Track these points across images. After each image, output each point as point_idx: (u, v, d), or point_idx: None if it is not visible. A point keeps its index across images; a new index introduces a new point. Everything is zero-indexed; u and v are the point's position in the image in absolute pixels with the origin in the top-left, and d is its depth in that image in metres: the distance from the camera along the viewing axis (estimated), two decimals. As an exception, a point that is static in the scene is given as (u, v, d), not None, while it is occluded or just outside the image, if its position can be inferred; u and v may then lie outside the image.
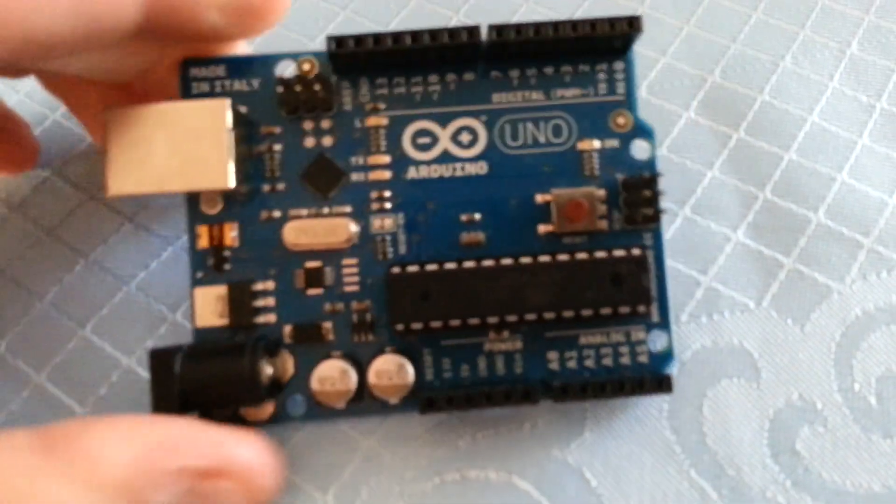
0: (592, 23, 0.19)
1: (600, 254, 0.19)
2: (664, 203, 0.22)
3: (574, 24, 0.19)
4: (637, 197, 0.20)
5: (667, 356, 0.20)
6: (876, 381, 0.21)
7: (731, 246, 0.23)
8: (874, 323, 0.22)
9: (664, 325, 0.20)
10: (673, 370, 0.20)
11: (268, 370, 0.19)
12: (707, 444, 0.20)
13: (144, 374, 0.21)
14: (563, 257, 0.19)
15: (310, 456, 0.20)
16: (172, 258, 0.23)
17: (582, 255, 0.19)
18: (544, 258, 0.19)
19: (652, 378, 0.19)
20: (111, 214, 0.23)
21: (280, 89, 0.20)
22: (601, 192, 0.20)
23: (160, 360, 0.18)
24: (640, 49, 0.20)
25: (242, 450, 0.17)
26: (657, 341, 0.20)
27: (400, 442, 0.20)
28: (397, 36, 0.19)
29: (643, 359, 0.20)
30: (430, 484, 0.20)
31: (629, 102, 0.21)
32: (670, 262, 0.22)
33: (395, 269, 0.19)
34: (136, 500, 0.15)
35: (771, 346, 0.21)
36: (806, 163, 0.24)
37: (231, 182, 0.18)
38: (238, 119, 0.19)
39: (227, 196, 0.20)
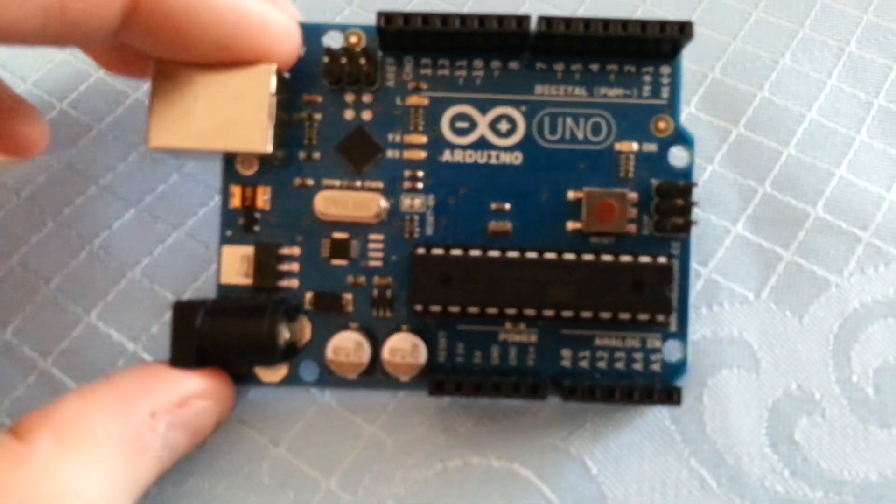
0: (643, 24, 0.19)
1: (625, 258, 0.19)
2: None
3: (625, 24, 0.19)
4: (670, 205, 0.20)
5: (680, 367, 0.20)
6: (874, 373, 0.21)
7: (731, 238, 0.23)
8: (872, 315, 0.22)
9: (682, 335, 0.20)
10: (684, 382, 0.20)
11: (285, 334, 0.19)
12: (707, 434, 0.20)
13: (150, 359, 0.21)
14: (588, 257, 0.19)
15: (313, 442, 0.20)
16: (177, 244, 0.23)
17: (607, 257, 0.19)
18: (569, 256, 0.19)
19: (662, 389, 0.19)
20: (116, 201, 0.23)
21: (326, 59, 0.20)
22: (633, 195, 0.20)
23: (183, 313, 0.18)
24: None
25: (196, 376, 0.18)
26: (673, 351, 0.20)
27: (403, 429, 0.20)
28: (446, 18, 0.19)
29: (656, 367, 0.20)
30: (432, 471, 0.20)
31: (672, 108, 0.20)
32: None
33: (420, 250, 0.19)
34: (133, 449, 0.16)
35: (770, 337, 0.22)
36: (805, 158, 0.24)
37: (269, 146, 0.18)
38: (281, 85, 0.19)
39: (263, 159, 0.20)
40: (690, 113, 0.25)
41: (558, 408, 0.21)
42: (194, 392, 0.18)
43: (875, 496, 0.19)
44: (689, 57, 0.26)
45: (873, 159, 0.24)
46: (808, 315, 0.22)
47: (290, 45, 0.19)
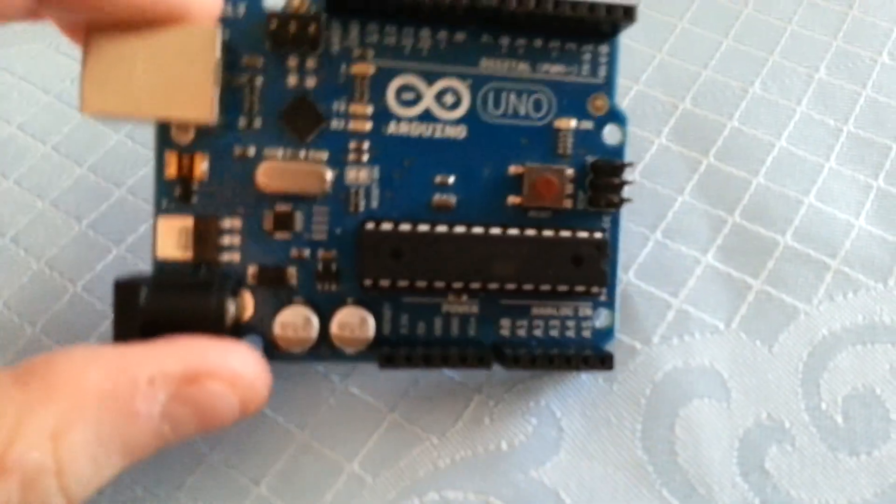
0: (591, 5, 0.19)
1: (565, 233, 0.20)
2: (637, 227, 0.24)
3: (573, 4, 0.19)
4: (604, 182, 0.21)
5: (608, 332, 0.22)
6: (842, 400, 0.21)
7: (701, 268, 0.24)
8: (840, 343, 0.22)
9: (610, 303, 0.22)
10: (613, 345, 0.22)
11: (231, 309, 0.19)
12: (678, 464, 0.21)
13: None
14: (530, 232, 0.20)
15: (294, 480, 0.20)
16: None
17: (548, 233, 0.20)
18: (513, 231, 0.20)
19: (595, 355, 0.20)
20: (105, 242, 0.24)
21: (268, 20, 0.19)
22: (570, 171, 0.21)
23: (125, 290, 0.18)
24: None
25: (220, 352, 0.17)
26: (602, 318, 0.22)
27: (381, 464, 0.20)
28: (396, -16, 0.19)
29: (587, 333, 0.21)
30: None
31: (609, 87, 0.21)
32: (642, 285, 0.23)
33: (370, 225, 0.19)
34: (121, 410, 0.15)
35: (740, 366, 0.22)
36: (774, 186, 0.25)
37: (214, 116, 0.18)
38: (222, 47, 0.18)
39: (200, 126, 0.19)
40: (661, 144, 0.26)
41: (531, 436, 0.21)
42: (208, 371, 0.16)
43: (844, 524, 0.20)
44: (660, 88, 0.27)
45: (842, 186, 0.25)
46: (777, 344, 0.22)
47: (211, 3, 0.18)
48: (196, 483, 0.20)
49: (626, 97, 0.27)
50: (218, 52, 0.17)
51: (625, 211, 0.21)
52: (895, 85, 0.28)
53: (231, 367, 0.17)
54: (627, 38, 0.28)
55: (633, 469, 0.21)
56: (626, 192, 0.21)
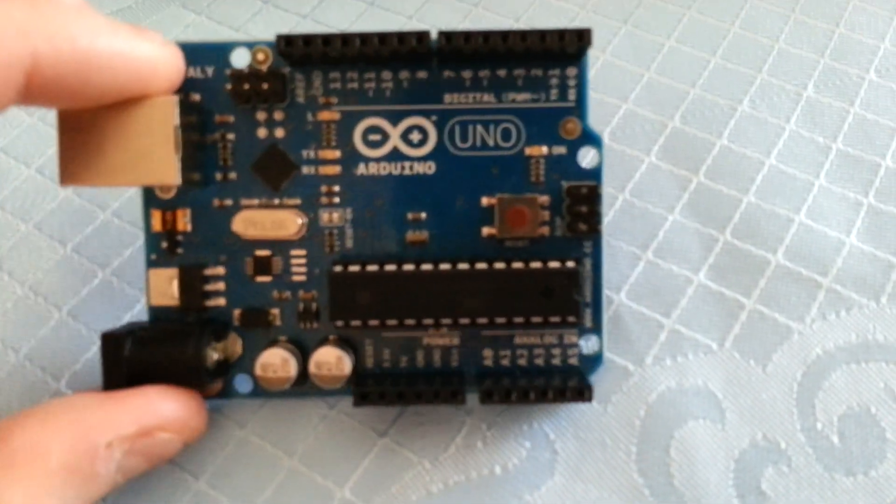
0: (542, 34, 0.19)
1: (535, 264, 0.20)
2: (628, 246, 0.23)
3: (524, 35, 0.19)
4: (578, 209, 0.20)
5: (596, 358, 0.21)
6: (838, 420, 0.21)
7: (693, 288, 0.23)
8: (834, 362, 0.22)
9: (596, 329, 0.21)
10: (602, 370, 0.21)
11: (213, 356, 0.20)
12: (674, 486, 0.20)
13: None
14: (499, 265, 0.20)
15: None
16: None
17: (517, 265, 0.20)
18: (481, 265, 0.20)
19: (573, 387, 0.20)
20: (91, 266, 0.24)
21: (232, 79, 0.20)
22: (545, 199, 0.21)
23: (111, 342, 0.19)
24: (602, 96, 0.20)
25: (169, 404, 0.19)
26: (588, 345, 0.21)
27: (373, 489, 0.20)
28: (346, 38, 0.19)
29: (573, 361, 0.21)
30: None
31: (580, 110, 0.21)
32: (634, 305, 0.23)
33: (337, 268, 0.20)
34: (84, 478, 0.17)
35: (734, 387, 0.22)
36: (764, 205, 0.24)
37: (177, 179, 0.19)
38: (190, 108, 0.20)
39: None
40: (651, 162, 0.25)
41: (525, 460, 0.21)
42: (159, 424, 0.18)
43: (842, 545, 0.20)
44: (649, 106, 0.27)
45: (832, 204, 0.24)
46: (771, 363, 0.22)
47: (176, 66, 0.19)
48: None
49: (614, 116, 0.26)
50: (176, 120, 0.19)
51: (615, 230, 0.21)
52: (883, 102, 0.27)
53: (179, 416, 0.19)
54: (614, 58, 0.28)
55: (629, 492, 0.20)
56: (613, 212, 0.20)
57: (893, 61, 0.28)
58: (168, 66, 0.19)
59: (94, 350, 0.22)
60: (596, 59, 0.28)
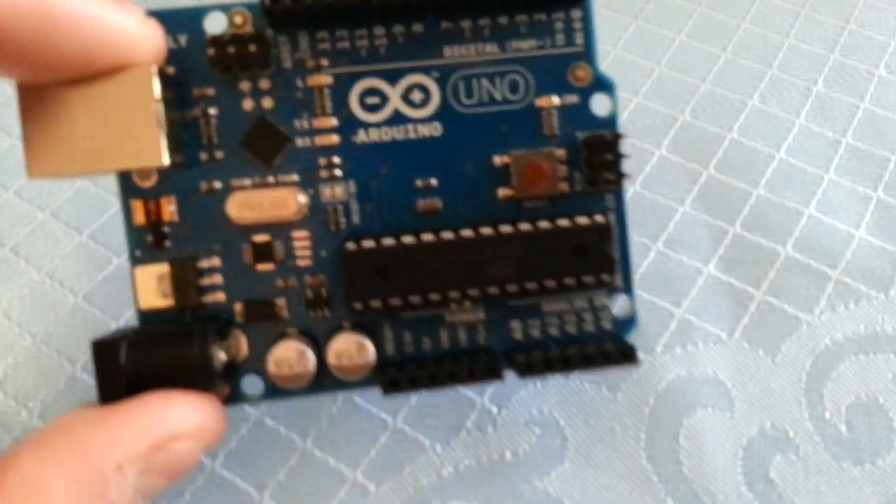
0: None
1: (563, 221, 0.18)
2: (639, 237, 0.23)
3: (532, -27, 0.18)
4: (599, 159, 0.19)
5: (630, 320, 0.20)
6: (846, 410, 0.21)
7: (703, 279, 0.23)
8: (843, 352, 0.22)
9: (627, 288, 0.20)
10: (635, 335, 0.20)
11: (220, 356, 0.18)
12: (683, 473, 0.20)
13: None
14: (524, 227, 0.18)
15: (295, 489, 0.20)
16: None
17: (544, 224, 0.18)
18: (505, 228, 0.18)
19: (616, 349, 0.18)
20: (106, 254, 0.24)
21: (212, 49, 0.18)
22: (561, 152, 0.19)
23: (104, 350, 0.17)
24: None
25: (179, 409, 0.17)
26: (620, 306, 0.20)
27: (384, 473, 0.20)
28: (337, -12, 0.17)
29: (607, 325, 0.20)
30: None
31: (588, 54, 0.19)
32: (645, 295, 0.23)
33: (351, 245, 0.18)
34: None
35: (743, 376, 0.22)
36: (774, 198, 0.25)
37: (164, 159, 0.17)
38: (167, 82, 0.17)
39: (162, 168, 0.18)
40: (662, 155, 0.25)
41: (535, 446, 0.21)
42: (172, 434, 0.16)
43: (850, 533, 0.20)
44: (659, 100, 0.27)
45: (842, 197, 0.25)
46: (780, 353, 0.22)
47: (155, 44, 0.17)
48: (198, 493, 0.20)
49: (625, 109, 0.27)
50: (157, 92, 0.16)
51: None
52: (893, 97, 0.27)
53: (193, 421, 0.16)
54: (625, 52, 0.28)
55: (638, 478, 0.20)
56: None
57: (903, 57, 0.29)
58: (146, 44, 0.16)
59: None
60: (607, 53, 0.28)
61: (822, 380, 0.22)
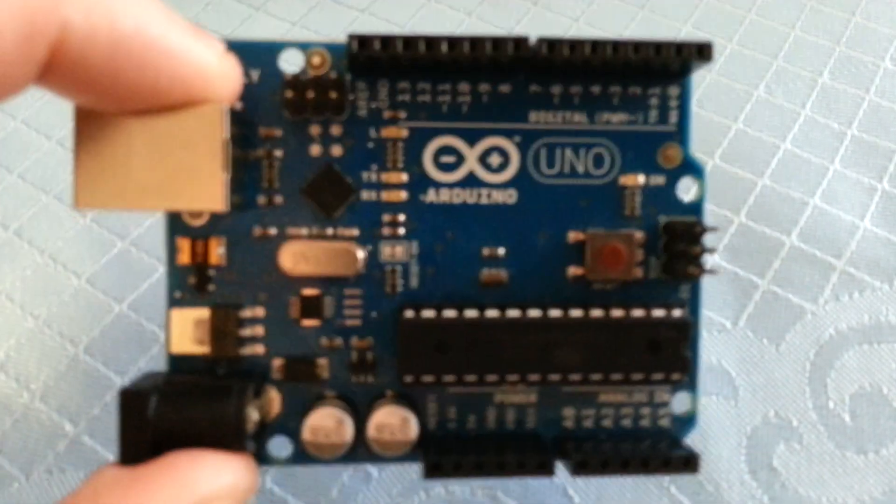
0: (657, 46, 0.16)
1: (637, 312, 0.17)
2: None
3: (637, 46, 0.16)
4: (681, 248, 0.18)
5: (690, 419, 0.19)
6: (849, 399, 0.21)
7: (708, 268, 0.22)
8: (847, 342, 0.22)
9: (690, 385, 0.19)
10: (694, 436, 0.19)
11: (254, 416, 0.16)
12: None
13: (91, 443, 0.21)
14: (596, 313, 0.17)
15: (297, 471, 0.20)
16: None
17: (617, 313, 0.17)
18: (576, 313, 0.17)
19: (679, 456, 0.17)
20: (110, 237, 0.24)
21: (288, 89, 0.17)
22: (640, 235, 0.18)
23: (132, 401, 0.16)
24: None
25: (210, 471, 0.15)
26: (681, 403, 0.19)
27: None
28: (431, 41, 0.16)
29: (665, 422, 0.18)
30: (416, 498, 0.20)
31: (681, 134, 0.18)
32: None
33: (409, 313, 0.17)
34: None
35: (748, 364, 0.22)
36: (779, 188, 0.25)
37: (224, 204, 0.15)
38: (233, 117, 0.16)
39: (215, 207, 0.17)
40: None
41: None
42: (206, 498, 0.15)
43: (853, 522, 0.20)
44: None
45: (847, 188, 0.25)
46: (784, 343, 0.22)
47: (232, 83, 0.15)
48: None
49: None
50: (226, 133, 0.15)
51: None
52: None
53: (228, 483, 0.15)
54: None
55: None
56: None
57: (909, 50, 0.29)
58: (223, 82, 0.15)
59: (112, 316, 0.23)
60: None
61: (826, 369, 0.22)
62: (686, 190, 0.18)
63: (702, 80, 0.27)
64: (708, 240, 0.18)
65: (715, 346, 0.22)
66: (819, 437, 0.21)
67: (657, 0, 0.30)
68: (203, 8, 0.30)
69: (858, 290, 0.23)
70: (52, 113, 0.27)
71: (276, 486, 0.20)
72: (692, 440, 0.19)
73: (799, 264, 0.23)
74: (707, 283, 0.21)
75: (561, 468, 0.17)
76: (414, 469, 0.20)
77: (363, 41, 0.16)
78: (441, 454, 0.17)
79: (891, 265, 0.24)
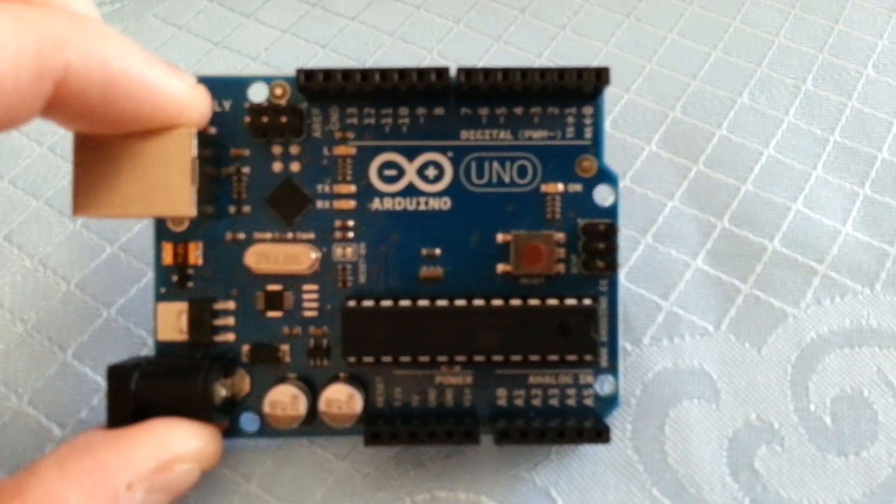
0: (560, 72, 0.19)
1: (552, 301, 0.20)
2: (627, 230, 0.23)
3: (542, 72, 0.19)
4: (595, 246, 0.20)
5: (612, 400, 0.21)
6: (831, 402, 0.21)
7: (691, 272, 0.24)
8: (828, 346, 0.22)
9: (613, 369, 0.21)
10: (616, 413, 0.21)
11: (221, 392, 0.19)
12: (668, 463, 0.21)
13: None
14: (515, 302, 0.19)
15: (285, 477, 0.21)
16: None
17: (534, 302, 0.19)
18: (496, 302, 0.19)
19: (591, 427, 0.19)
20: (99, 242, 0.24)
21: (250, 113, 0.20)
22: (560, 236, 0.21)
23: (117, 376, 0.19)
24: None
25: (182, 434, 0.18)
26: (604, 385, 0.21)
27: (372, 463, 0.21)
28: (365, 73, 0.19)
29: (589, 402, 0.21)
30: None
31: (596, 148, 0.21)
32: (633, 287, 0.23)
33: (351, 303, 0.20)
34: None
35: (730, 368, 0.22)
36: (762, 193, 0.25)
37: (192, 210, 0.19)
38: (206, 141, 0.19)
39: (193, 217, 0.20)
40: (651, 151, 0.26)
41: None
42: (176, 456, 0.18)
43: (834, 524, 0.20)
44: (650, 96, 0.27)
45: (829, 194, 0.25)
46: (766, 346, 0.22)
47: (202, 108, 0.19)
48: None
49: (616, 105, 0.27)
50: (193, 152, 0.18)
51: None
52: (880, 96, 0.28)
53: (195, 445, 0.18)
54: (617, 49, 0.29)
55: (624, 468, 0.21)
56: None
57: (891, 57, 0.29)
58: (194, 108, 0.19)
59: (101, 321, 0.23)
60: (599, 50, 0.29)
61: (808, 372, 0.22)
62: (602, 196, 0.21)
63: (687, 86, 0.27)
64: (621, 235, 0.20)
65: (697, 350, 0.22)
66: (800, 440, 0.21)
67: (643, 8, 0.31)
68: (195, 16, 0.30)
69: (840, 294, 0.23)
70: (43, 120, 0.28)
71: (261, 490, 0.20)
72: (676, 440, 0.21)
73: (781, 269, 0.23)
74: (690, 288, 0.23)
75: (545, 481, 0.20)
76: (398, 474, 0.21)
77: (308, 74, 0.19)
78: (381, 426, 0.19)
79: (872, 269, 0.24)
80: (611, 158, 0.21)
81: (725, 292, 0.23)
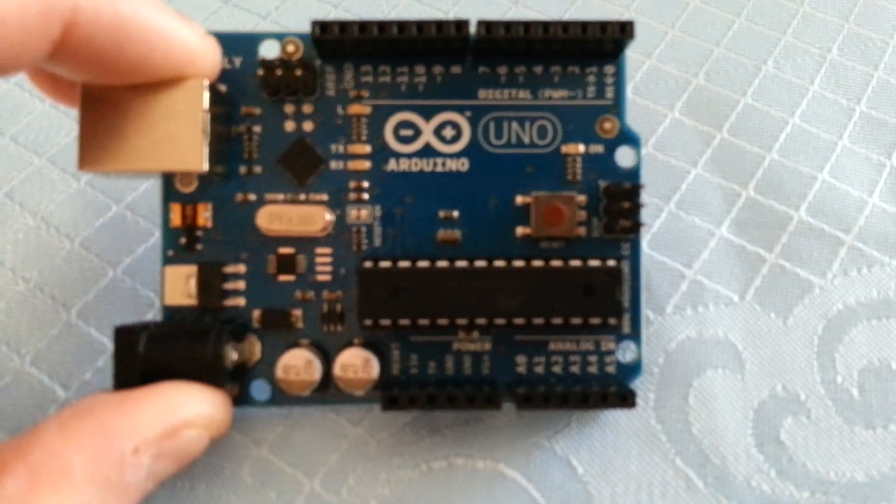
0: (584, 25, 0.19)
1: (575, 262, 0.19)
2: (649, 197, 0.23)
3: (565, 26, 0.19)
4: (617, 207, 0.20)
5: (635, 368, 0.20)
6: (858, 374, 0.21)
7: (715, 241, 0.23)
8: (855, 317, 0.22)
9: (635, 336, 0.20)
10: (639, 382, 0.20)
11: (232, 356, 0.19)
12: (692, 434, 0.20)
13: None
14: (537, 263, 0.19)
15: (297, 442, 0.20)
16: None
17: (556, 263, 0.19)
18: (518, 263, 0.19)
19: (616, 392, 0.19)
20: (105, 200, 0.24)
21: (262, 70, 0.20)
22: (582, 198, 0.20)
23: (125, 337, 0.18)
24: (627, 51, 0.20)
25: (192, 399, 0.17)
26: (626, 352, 0.20)
27: (387, 429, 0.20)
28: (383, 25, 0.18)
29: (611, 369, 0.20)
30: (416, 471, 0.20)
31: (618, 108, 0.20)
32: (656, 255, 0.23)
33: (367, 264, 0.19)
34: (114, 489, 0.15)
35: (755, 338, 0.22)
36: (787, 162, 0.25)
37: (204, 165, 0.18)
38: (217, 98, 0.19)
39: (202, 176, 0.20)
40: (674, 118, 0.25)
41: None
42: (185, 422, 0.17)
43: (861, 496, 0.20)
44: (673, 63, 0.27)
45: (855, 164, 0.25)
46: (792, 316, 0.22)
47: (213, 60, 0.18)
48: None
49: (638, 71, 0.27)
50: (205, 104, 0.18)
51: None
52: None
53: (204, 411, 0.17)
54: (639, 14, 0.28)
55: (646, 437, 0.20)
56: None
57: (918, 28, 0.29)
58: (205, 57, 0.18)
59: (106, 280, 0.22)
60: (621, 15, 0.28)
61: (835, 344, 0.22)
62: (624, 157, 0.20)
63: (710, 53, 0.27)
64: (644, 198, 0.20)
65: (722, 319, 0.22)
66: (827, 412, 0.21)
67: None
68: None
69: (867, 265, 0.23)
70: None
71: (272, 454, 0.20)
72: (700, 410, 0.20)
73: (807, 238, 0.23)
74: (714, 257, 0.23)
75: (565, 450, 0.19)
76: (414, 440, 0.20)
77: (324, 26, 0.18)
78: (399, 391, 0.19)
79: (900, 241, 0.23)
80: (633, 125, 0.20)
81: (750, 261, 0.23)
